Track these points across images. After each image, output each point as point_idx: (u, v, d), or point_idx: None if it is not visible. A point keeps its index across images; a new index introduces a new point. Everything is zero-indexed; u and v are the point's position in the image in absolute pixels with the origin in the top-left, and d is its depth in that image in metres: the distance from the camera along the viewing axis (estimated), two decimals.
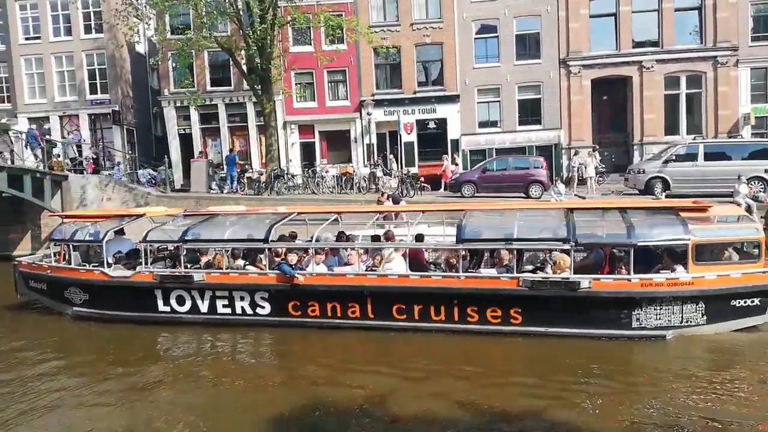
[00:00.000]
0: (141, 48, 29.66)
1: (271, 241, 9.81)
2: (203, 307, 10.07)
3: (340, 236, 10.57)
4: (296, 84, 25.56)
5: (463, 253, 9.21)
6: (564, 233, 8.56)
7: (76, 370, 8.58)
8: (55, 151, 22.75)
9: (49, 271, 11.32)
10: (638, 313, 8.28)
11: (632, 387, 7.02)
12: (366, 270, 9.58)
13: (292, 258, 9.79)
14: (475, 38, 25.39)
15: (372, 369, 8.03)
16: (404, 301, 9.04)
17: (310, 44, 25.25)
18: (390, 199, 16.69)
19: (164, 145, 27.53)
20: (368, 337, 9.10)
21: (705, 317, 8.26)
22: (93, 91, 27.75)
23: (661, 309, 8.25)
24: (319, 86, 25.73)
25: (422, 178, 22.25)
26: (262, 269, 9.97)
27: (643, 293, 8.23)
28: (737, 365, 7.79)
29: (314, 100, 26.02)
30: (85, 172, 22.25)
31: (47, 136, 22.92)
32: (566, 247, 8.46)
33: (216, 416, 6.59)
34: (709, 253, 8.52)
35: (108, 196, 20.46)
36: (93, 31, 27.44)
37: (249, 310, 9.85)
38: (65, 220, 12.33)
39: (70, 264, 11.06)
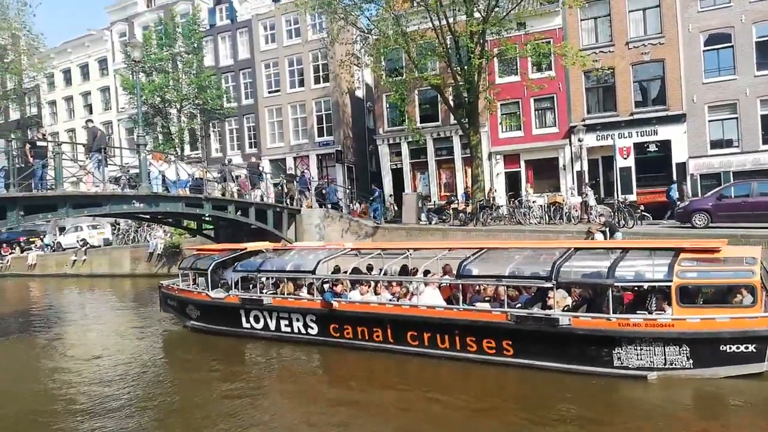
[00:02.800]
0: (360, 93, 32.73)
1: (318, 272, 11.67)
2: (272, 325, 12.13)
3: (404, 270, 11.96)
4: (502, 114, 25.59)
5: (461, 287, 10.03)
6: (546, 272, 8.97)
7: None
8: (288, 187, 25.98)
9: (176, 292, 14.20)
10: (619, 352, 8.36)
11: (605, 427, 7.15)
12: (389, 300, 10.77)
13: (339, 288, 11.33)
14: (704, 50, 22.71)
15: (381, 387, 9.33)
16: (415, 328, 10.10)
17: (516, 74, 25.17)
18: (607, 227, 15.63)
19: (379, 179, 29.71)
20: (388, 358, 10.31)
21: (690, 361, 8.03)
22: (320, 134, 31.37)
23: (641, 349, 8.25)
24: (525, 115, 25.41)
25: (642, 207, 20.35)
26: (312, 296, 11.70)
27: (622, 332, 8.30)
28: (717, 415, 7.43)
29: (520, 129, 25.74)
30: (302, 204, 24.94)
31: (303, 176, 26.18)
32: (548, 285, 8.92)
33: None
34: (697, 295, 8.45)
35: (328, 225, 22.67)
36: (321, 81, 31.13)
37: (303, 330, 11.66)
38: (194, 252, 15.35)
39: (196, 287, 13.67)
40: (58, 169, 14.29)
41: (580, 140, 23.24)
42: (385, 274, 11.83)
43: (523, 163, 26.09)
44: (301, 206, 23.02)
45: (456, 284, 10.06)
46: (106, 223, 31.99)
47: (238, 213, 19.58)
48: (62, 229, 33.95)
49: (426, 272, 11.36)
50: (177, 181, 18.29)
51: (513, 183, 25.97)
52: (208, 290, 13.08)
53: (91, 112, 38.91)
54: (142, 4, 37.51)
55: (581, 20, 24.37)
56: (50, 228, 35.28)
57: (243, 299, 12.40)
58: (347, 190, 29.81)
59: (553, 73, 24.33)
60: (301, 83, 31.77)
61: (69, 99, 41.16)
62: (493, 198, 23.27)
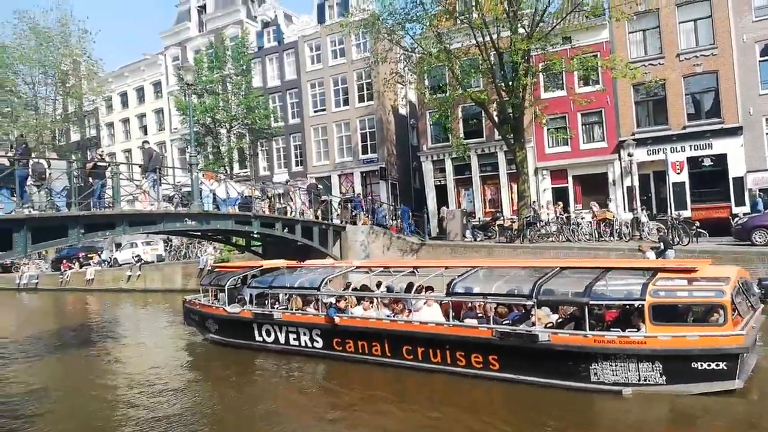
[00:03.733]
0: (403, 110, 32.99)
1: (322, 289, 12.26)
2: (281, 338, 12.79)
3: (409, 287, 12.35)
4: (548, 129, 25.29)
5: (451, 304, 10.58)
6: (528, 290, 9.38)
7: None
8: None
9: (198, 306, 15.06)
10: (595, 368, 8.69)
11: None
12: (387, 316, 11.24)
13: (342, 303, 12.03)
14: (760, 61, 21.91)
15: (377, 399, 9.73)
16: (410, 343, 10.64)
17: (563, 88, 24.86)
18: (662, 242, 15.14)
19: (422, 196, 29.72)
20: (386, 372, 10.84)
21: (664, 377, 8.28)
22: (364, 151, 31.73)
23: (616, 365, 8.55)
24: (572, 130, 25.02)
25: (697, 223, 19.61)
26: (318, 311, 12.24)
27: (597, 349, 8.61)
28: (689, 430, 7.70)
29: (567, 144, 25.35)
30: (357, 223, 25.22)
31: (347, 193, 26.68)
32: (530, 302, 9.36)
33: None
34: (671, 313, 8.59)
35: (377, 244, 22.78)
36: (365, 99, 31.58)
37: (309, 344, 12.30)
38: (216, 269, 16.58)
39: (216, 302, 14.51)
40: (115, 188, 14.93)
41: (630, 155, 22.68)
42: (389, 290, 12.30)
43: (570, 179, 25.63)
44: (353, 223, 23.28)
45: (447, 301, 10.64)
46: (159, 240, 33.12)
47: (285, 230, 19.94)
48: (118, 246, 35.34)
49: (429, 289, 11.79)
50: (227, 199, 18.81)
51: (561, 199, 25.50)
52: (226, 305, 13.86)
53: (146, 133, 40.60)
54: (194, 29, 39.07)
55: (629, 33, 23.94)
56: (107, 244, 36.79)
57: (256, 314, 13.18)
58: (391, 207, 29.95)
59: (601, 86, 23.91)
60: (346, 102, 32.30)
61: (126, 121, 43.08)
62: (540, 214, 22.90)
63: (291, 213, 21.61)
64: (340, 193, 30.43)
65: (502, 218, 24.15)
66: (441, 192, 28.68)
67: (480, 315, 10.45)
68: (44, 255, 37.85)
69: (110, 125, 43.98)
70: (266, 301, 13.36)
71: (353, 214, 23.80)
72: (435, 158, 28.74)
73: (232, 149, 34.45)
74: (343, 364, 11.59)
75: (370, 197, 29.79)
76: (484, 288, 10.48)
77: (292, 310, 12.84)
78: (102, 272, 33.08)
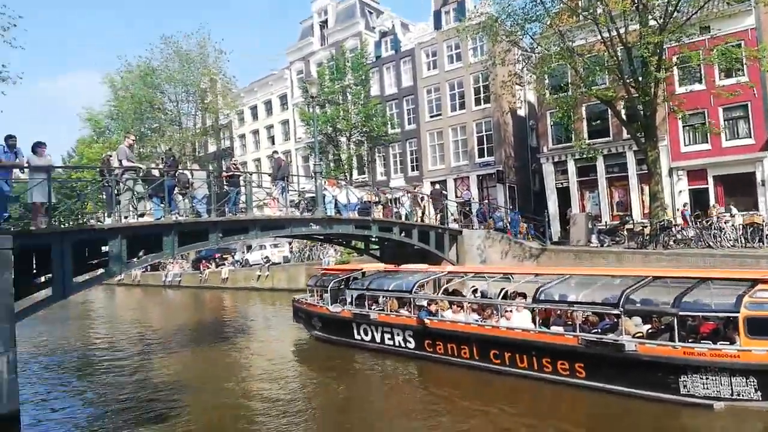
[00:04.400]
0: (521, 111, 32.13)
1: (414, 292, 13.02)
2: (377, 338, 13.56)
3: (504, 293, 12.09)
4: (684, 126, 23.29)
5: (537, 311, 10.74)
6: (614, 299, 9.38)
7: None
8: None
9: (305, 305, 16.35)
10: (685, 380, 8.45)
11: None
12: (475, 320, 11.63)
13: (434, 307, 12.73)
14: None
15: (464, 401, 9.90)
16: (497, 348, 10.88)
17: (701, 82, 22.79)
18: None
19: (542, 199, 28.71)
20: (473, 374, 11.18)
21: (759, 393, 7.93)
22: (481, 154, 31.35)
23: (707, 379, 8.28)
24: (714, 126, 22.82)
25: None
26: (410, 313, 12.93)
27: (687, 361, 8.39)
28: None
29: (707, 142, 23.19)
30: (472, 226, 24.97)
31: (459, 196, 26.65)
32: (616, 312, 9.39)
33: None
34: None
35: (494, 248, 22.37)
36: (482, 102, 31.20)
37: (402, 344, 12.95)
38: (321, 271, 18.44)
39: (321, 302, 15.60)
40: (248, 195, 16.11)
41: None
42: (483, 296, 12.67)
43: (711, 179, 23.42)
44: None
45: (534, 308, 10.79)
46: (285, 242, 35.15)
47: (402, 234, 20.26)
48: (249, 248, 38.05)
49: (522, 295, 11.89)
50: (347, 204, 19.53)
51: (700, 201, 23.39)
52: (329, 305, 14.98)
53: (273, 143, 43.33)
54: (317, 43, 41.06)
55: None
56: (239, 246, 39.74)
57: (354, 314, 14.11)
58: (508, 210, 29.25)
59: (747, 78, 21.59)
60: (462, 106, 32.15)
61: (255, 132, 46.29)
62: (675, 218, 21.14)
63: (416, 218, 21.90)
64: (456, 197, 30.32)
65: (631, 222, 22.65)
66: (563, 195, 27.54)
67: (569, 322, 10.49)
68: (186, 255, 41.68)
69: (242, 136, 47.48)
70: (365, 303, 14.19)
71: (469, 218, 23.63)
72: (556, 160, 27.65)
73: (351, 156, 35.69)
74: (434, 364, 12.07)
75: (486, 201, 29.38)
76: (571, 295, 10.49)
77: (387, 311, 13.57)
78: (235, 272, 35.77)
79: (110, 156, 14.08)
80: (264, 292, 30.99)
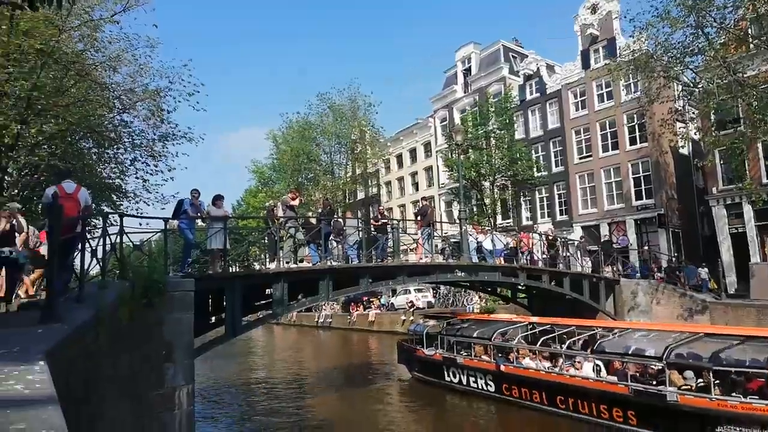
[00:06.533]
0: (684, 149, 29.54)
1: (494, 339, 14.55)
2: (464, 380, 15.03)
3: (585, 343, 13.56)
4: None
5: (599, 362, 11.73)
6: (659, 353, 10.46)
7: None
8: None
9: (406, 348, 18.12)
10: (720, 431, 9.04)
11: None
12: (546, 368, 12.75)
13: (512, 355, 13.93)
14: None
15: None
16: (562, 394, 11.87)
17: None
18: None
19: (713, 245, 25.80)
20: (543, 417, 12.29)
21: None
22: (638, 197, 29.18)
23: (740, 430, 8.80)
24: None
25: None
26: (489, 359, 14.38)
27: (720, 413, 9.06)
28: None
29: None
30: (633, 276, 23.07)
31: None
32: (660, 365, 10.43)
33: None
34: None
35: (657, 300, 20.44)
36: (637, 141, 29.28)
37: (484, 387, 14.24)
38: (421, 318, 21.19)
39: (419, 346, 17.24)
40: (396, 242, 16.60)
41: None
42: (569, 347, 13.38)
43: None
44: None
45: (591, 358, 11.96)
46: (428, 287, 35.39)
47: (552, 283, 19.38)
48: (393, 291, 38.86)
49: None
50: (493, 250, 19.21)
51: None
52: (424, 348, 16.68)
53: (417, 189, 44.45)
54: (460, 91, 41.87)
55: None
56: (385, 290, 40.77)
57: (444, 357, 15.73)
58: (673, 258, 26.66)
59: None
60: (615, 146, 30.43)
61: (401, 179, 47.90)
62: None
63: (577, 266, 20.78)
64: (610, 243, 28.38)
65: None
66: (738, 240, 24.45)
67: (633, 373, 11.09)
68: (337, 297, 43.72)
69: (388, 183, 49.38)
70: (455, 347, 15.68)
71: (627, 266, 21.87)
72: (729, 202, 24.79)
73: (495, 201, 35.28)
74: (510, 407, 13.37)
75: (646, 248, 27.11)
76: (621, 348, 11.58)
77: (472, 356, 15.09)
78: (381, 315, 36.65)
79: (274, 206, 15.46)
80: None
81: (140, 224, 14.24)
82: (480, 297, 28.74)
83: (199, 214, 12.34)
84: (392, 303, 37.57)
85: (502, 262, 19.10)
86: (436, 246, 20.40)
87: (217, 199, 12.56)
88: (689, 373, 10.28)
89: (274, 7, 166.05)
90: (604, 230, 30.10)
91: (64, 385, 2.75)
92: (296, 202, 14.78)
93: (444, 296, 34.38)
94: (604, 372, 11.80)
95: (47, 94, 14.52)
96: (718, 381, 9.60)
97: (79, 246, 7.40)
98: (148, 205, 19.12)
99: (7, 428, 2.02)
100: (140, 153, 18.81)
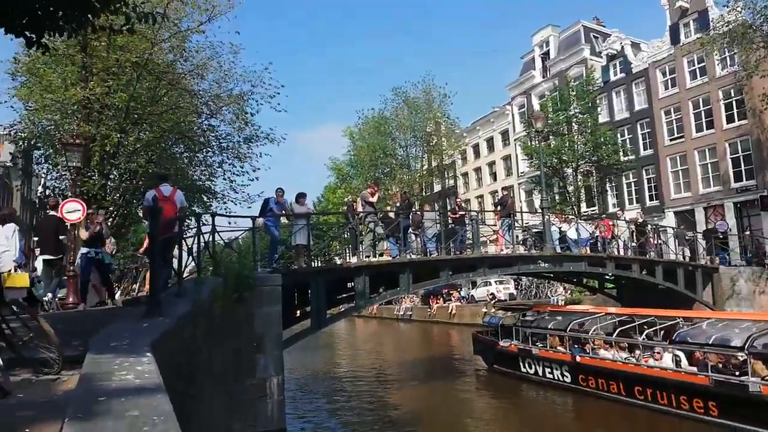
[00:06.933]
0: None
1: (570, 331, 14.47)
2: (539, 371, 15.08)
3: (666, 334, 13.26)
4: None
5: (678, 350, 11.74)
6: (740, 343, 10.15)
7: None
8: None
9: (482, 340, 18.48)
10: None
11: None
12: (624, 359, 12.65)
13: (588, 346, 13.86)
14: None
15: None
16: (640, 385, 11.84)
17: None
18: None
19: None
20: (620, 408, 12.20)
21: None
22: (737, 178, 27.12)
23: None
24: None
25: None
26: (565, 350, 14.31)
27: None
28: None
29: None
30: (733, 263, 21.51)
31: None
32: (741, 354, 10.14)
33: None
34: None
35: (762, 289, 18.93)
36: (735, 119, 27.16)
37: (559, 377, 14.26)
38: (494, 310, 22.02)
39: (495, 337, 17.46)
40: (475, 233, 16.41)
41: None
42: (648, 337, 13.11)
43: None
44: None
45: (671, 349, 11.82)
46: (510, 279, 34.72)
47: (644, 272, 18.42)
48: (474, 283, 38.43)
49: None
50: (578, 239, 18.53)
51: None
52: (500, 339, 16.81)
53: (495, 180, 43.64)
54: (538, 76, 40.55)
55: None
56: (465, 281, 40.42)
57: (519, 349, 15.87)
58: None
59: None
60: (710, 125, 28.37)
61: (478, 170, 47.19)
62: None
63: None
64: (707, 228, 26.56)
65: None
66: None
67: (715, 364, 10.74)
68: (416, 290, 43.89)
69: (464, 175, 48.80)
70: (530, 338, 15.71)
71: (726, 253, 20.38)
72: None
73: (579, 188, 33.97)
74: (586, 398, 13.29)
75: (748, 232, 25.16)
76: (702, 338, 11.29)
77: (548, 347, 15.00)
78: (462, 308, 36.38)
79: (354, 202, 15.75)
80: None
81: (229, 223, 14.94)
82: (565, 288, 27.85)
83: (283, 212, 12.81)
84: (472, 295, 37.21)
85: (588, 251, 18.41)
86: (517, 236, 19.94)
87: (300, 197, 12.98)
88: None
89: (346, 7, 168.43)
90: (700, 215, 28.21)
91: (166, 375, 2.97)
92: (375, 198, 14.92)
93: (527, 287, 33.59)
94: (684, 362, 11.57)
95: (143, 104, 15.63)
96: None
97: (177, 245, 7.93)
98: (236, 204, 20.12)
99: (123, 415, 2.22)
100: (227, 155, 19.83)
